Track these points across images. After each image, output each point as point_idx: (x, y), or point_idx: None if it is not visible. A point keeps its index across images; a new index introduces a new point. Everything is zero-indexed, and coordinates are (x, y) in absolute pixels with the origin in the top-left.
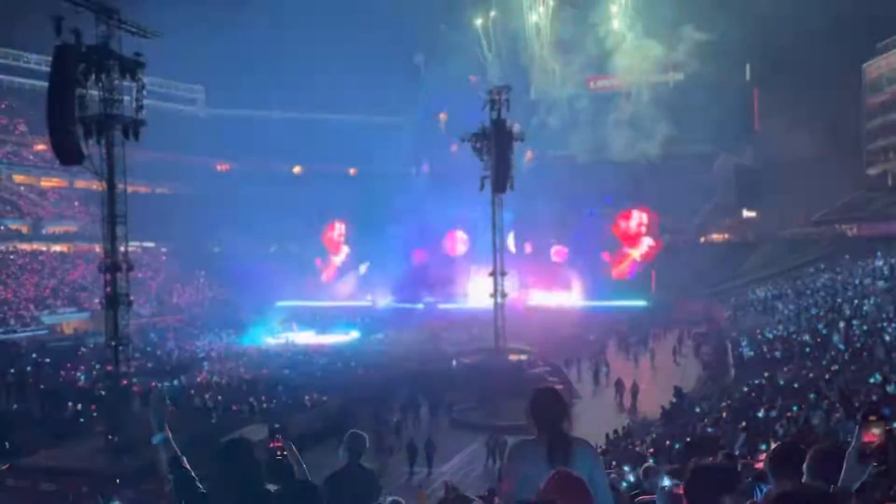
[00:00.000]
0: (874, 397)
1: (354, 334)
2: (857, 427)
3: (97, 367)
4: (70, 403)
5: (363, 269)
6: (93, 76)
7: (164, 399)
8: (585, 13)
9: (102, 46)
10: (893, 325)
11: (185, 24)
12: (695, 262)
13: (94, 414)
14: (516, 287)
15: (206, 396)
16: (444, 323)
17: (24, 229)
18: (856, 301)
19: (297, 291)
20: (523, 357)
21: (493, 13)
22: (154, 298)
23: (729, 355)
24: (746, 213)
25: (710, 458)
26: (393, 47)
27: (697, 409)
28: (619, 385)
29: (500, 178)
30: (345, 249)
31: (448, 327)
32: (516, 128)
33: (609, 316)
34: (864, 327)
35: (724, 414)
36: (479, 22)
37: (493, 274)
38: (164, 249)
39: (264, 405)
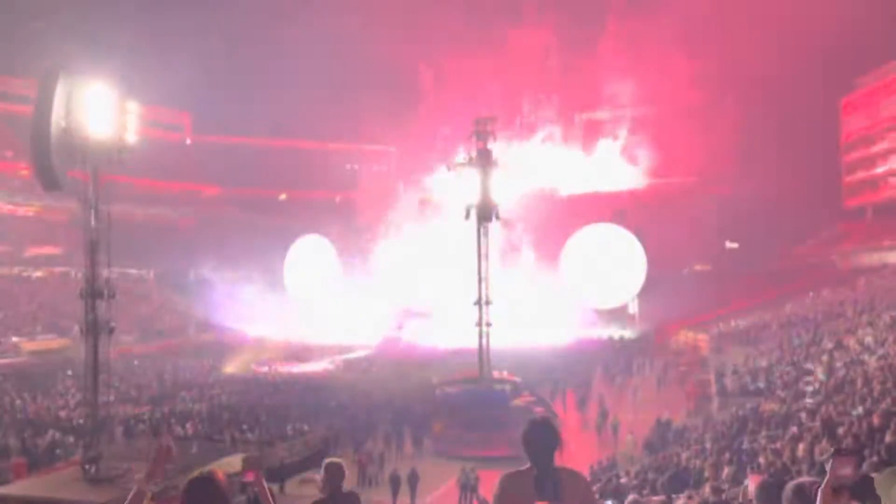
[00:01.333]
0: (857, 430)
1: (338, 362)
2: (830, 461)
3: (76, 395)
4: (49, 432)
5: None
6: (78, 101)
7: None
8: (572, 44)
9: (89, 72)
10: (875, 356)
11: (172, 50)
12: (678, 293)
13: (73, 443)
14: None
15: (187, 425)
16: (430, 351)
17: (5, 254)
18: (838, 332)
19: (281, 319)
20: (508, 387)
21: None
22: (136, 325)
23: (712, 386)
24: (729, 244)
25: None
26: (382, 74)
27: (682, 440)
28: (603, 415)
29: (486, 208)
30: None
31: (433, 355)
32: (502, 157)
33: (593, 345)
34: (847, 358)
35: (709, 445)
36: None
37: (478, 303)
38: (147, 276)
39: (246, 435)
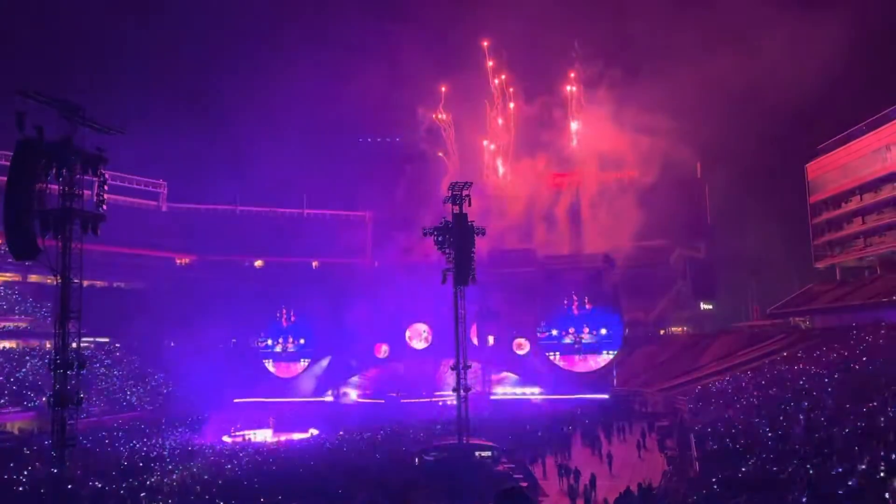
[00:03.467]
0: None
1: (314, 432)
2: None
3: (42, 468)
4: None
5: (324, 363)
6: (53, 171)
7: None
8: (545, 113)
9: (65, 142)
10: (851, 416)
11: (149, 118)
12: (656, 355)
13: None
14: (479, 379)
15: (159, 500)
16: (408, 418)
17: None
18: (814, 392)
19: (255, 388)
20: (488, 454)
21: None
22: (105, 395)
23: (693, 449)
24: (703, 306)
25: None
26: (356, 142)
27: None
28: (588, 481)
29: (463, 272)
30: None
31: (412, 422)
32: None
33: (573, 409)
34: (823, 419)
35: None
36: (441, 117)
37: (455, 367)
38: (118, 345)
39: None
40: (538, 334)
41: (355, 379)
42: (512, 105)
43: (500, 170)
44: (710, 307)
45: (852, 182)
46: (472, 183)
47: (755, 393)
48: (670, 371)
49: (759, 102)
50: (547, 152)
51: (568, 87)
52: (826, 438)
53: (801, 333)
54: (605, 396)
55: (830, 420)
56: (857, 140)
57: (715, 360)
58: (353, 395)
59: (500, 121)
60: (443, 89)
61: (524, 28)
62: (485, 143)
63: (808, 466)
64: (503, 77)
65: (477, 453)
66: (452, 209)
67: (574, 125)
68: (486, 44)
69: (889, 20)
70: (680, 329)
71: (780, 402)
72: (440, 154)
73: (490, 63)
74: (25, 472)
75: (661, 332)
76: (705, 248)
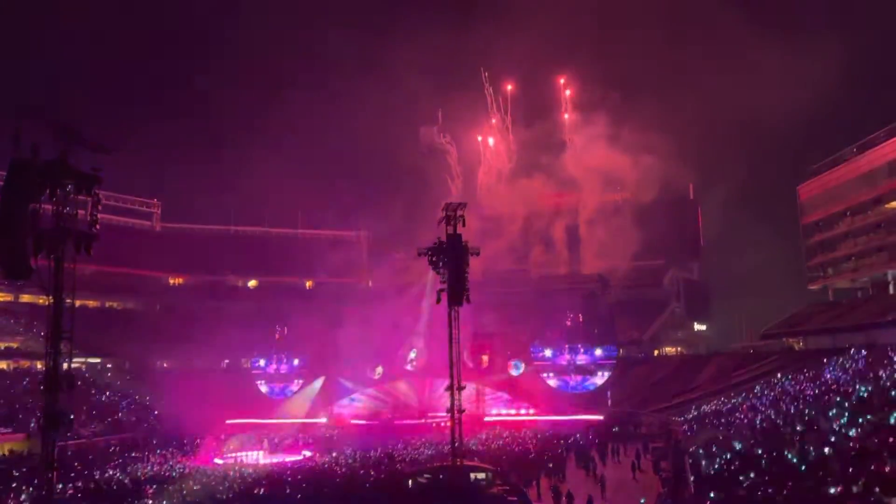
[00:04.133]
0: None
1: (307, 453)
2: None
3: (31, 491)
4: None
5: (317, 384)
6: (47, 190)
7: None
8: (540, 134)
9: (60, 162)
10: (845, 437)
11: (144, 138)
12: (650, 376)
13: None
14: (473, 400)
15: None
16: (401, 439)
17: None
18: (808, 413)
19: (248, 409)
20: (482, 476)
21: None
22: (96, 416)
23: (688, 470)
24: (697, 327)
25: None
26: (352, 163)
27: None
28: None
29: (456, 292)
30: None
31: (405, 443)
32: (471, 243)
33: (567, 430)
34: (817, 440)
35: None
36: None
37: (449, 388)
38: (109, 365)
39: None
40: (532, 354)
41: (349, 400)
42: (509, 126)
43: (496, 190)
44: (704, 328)
45: (843, 204)
46: (466, 203)
47: (750, 414)
48: (665, 392)
49: (753, 124)
50: (543, 173)
51: (564, 115)
52: (821, 460)
53: (795, 354)
54: (600, 417)
55: (825, 441)
56: (848, 162)
57: (709, 380)
58: (346, 416)
59: (491, 141)
60: (439, 112)
61: (522, 51)
62: (481, 162)
63: (804, 488)
64: (501, 101)
65: (471, 475)
66: (447, 229)
67: (569, 147)
68: (485, 73)
69: (880, 45)
70: (674, 350)
71: (774, 424)
72: (442, 176)
73: (488, 88)
74: (12, 496)
75: (656, 352)
76: (699, 269)
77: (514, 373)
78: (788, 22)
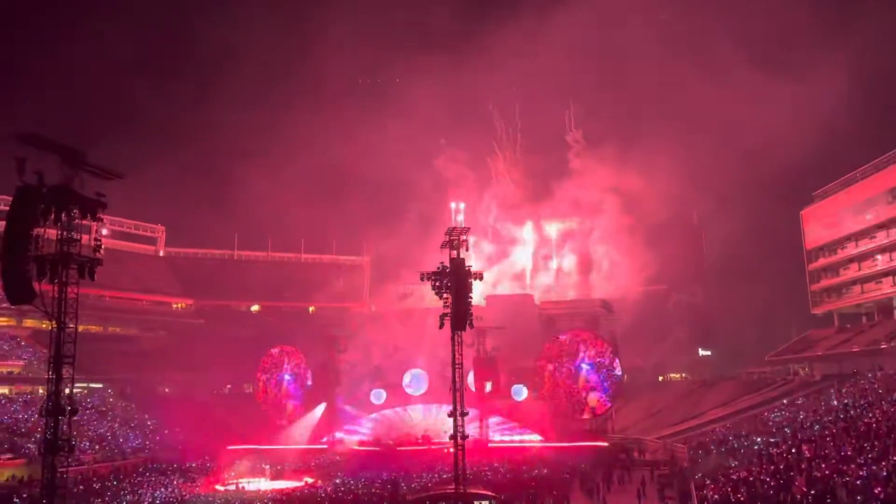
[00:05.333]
0: None
1: (309, 480)
2: None
3: None
4: None
5: (319, 410)
6: (52, 216)
7: None
8: (544, 159)
9: (64, 188)
10: (853, 464)
11: (149, 163)
12: (655, 402)
13: None
14: (477, 426)
15: None
16: (404, 465)
17: None
18: (814, 440)
19: (250, 434)
20: (485, 503)
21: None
22: (97, 442)
23: (693, 499)
24: (702, 352)
25: None
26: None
27: None
28: None
29: (460, 317)
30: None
31: (408, 469)
32: (475, 267)
33: (571, 456)
34: (824, 467)
35: None
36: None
37: (453, 414)
38: (111, 391)
39: None
40: (535, 380)
41: (351, 425)
42: (517, 153)
43: (501, 216)
44: (709, 353)
45: (847, 229)
46: (469, 228)
47: (755, 440)
48: (669, 418)
49: (757, 149)
50: (548, 200)
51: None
52: (828, 488)
53: (800, 380)
54: (604, 444)
55: (832, 469)
56: (852, 187)
57: (714, 407)
58: (349, 441)
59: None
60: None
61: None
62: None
63: None
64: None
65: (475, 503)
66: (450, 254)
67: (574, 173)
68: (491, 107)
69: (886, 69)
70: (679, 375)
71: (780, 451)
72: (447, 201)
73: (496, 119)
74: None
75: (660, 378)
76: (703, 294)
77: (517, 398)
78: (787, 55)
